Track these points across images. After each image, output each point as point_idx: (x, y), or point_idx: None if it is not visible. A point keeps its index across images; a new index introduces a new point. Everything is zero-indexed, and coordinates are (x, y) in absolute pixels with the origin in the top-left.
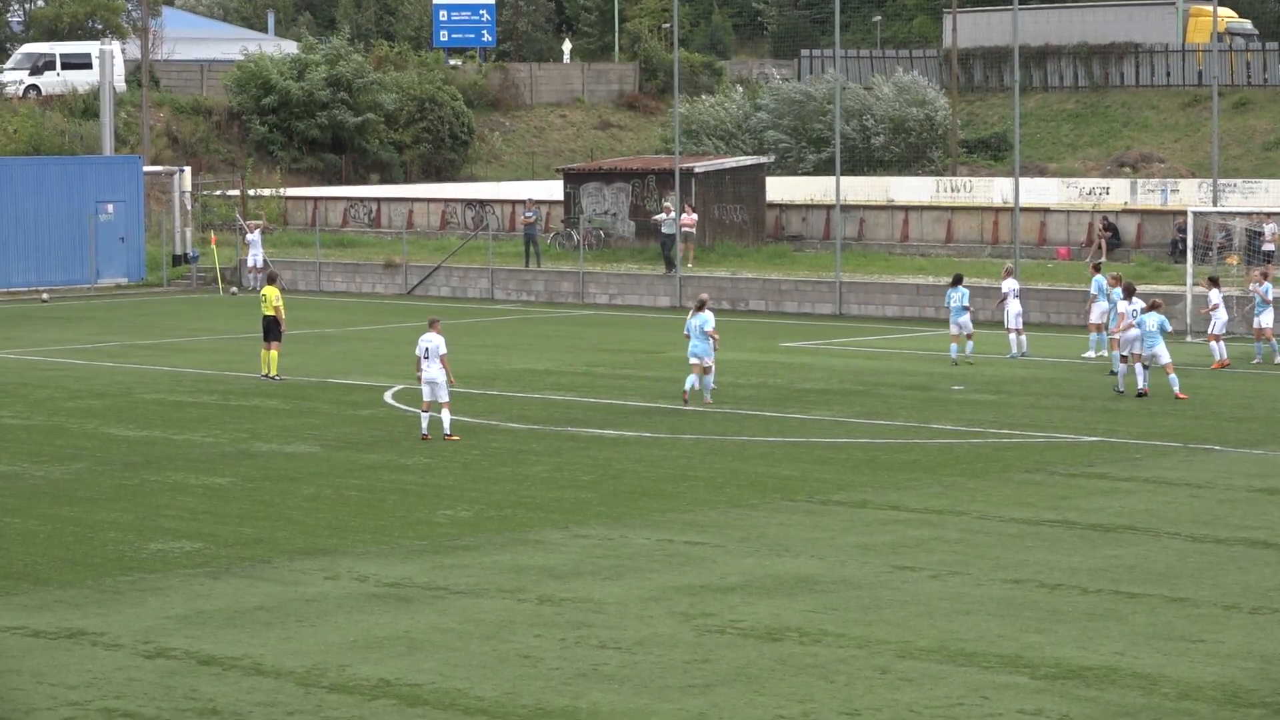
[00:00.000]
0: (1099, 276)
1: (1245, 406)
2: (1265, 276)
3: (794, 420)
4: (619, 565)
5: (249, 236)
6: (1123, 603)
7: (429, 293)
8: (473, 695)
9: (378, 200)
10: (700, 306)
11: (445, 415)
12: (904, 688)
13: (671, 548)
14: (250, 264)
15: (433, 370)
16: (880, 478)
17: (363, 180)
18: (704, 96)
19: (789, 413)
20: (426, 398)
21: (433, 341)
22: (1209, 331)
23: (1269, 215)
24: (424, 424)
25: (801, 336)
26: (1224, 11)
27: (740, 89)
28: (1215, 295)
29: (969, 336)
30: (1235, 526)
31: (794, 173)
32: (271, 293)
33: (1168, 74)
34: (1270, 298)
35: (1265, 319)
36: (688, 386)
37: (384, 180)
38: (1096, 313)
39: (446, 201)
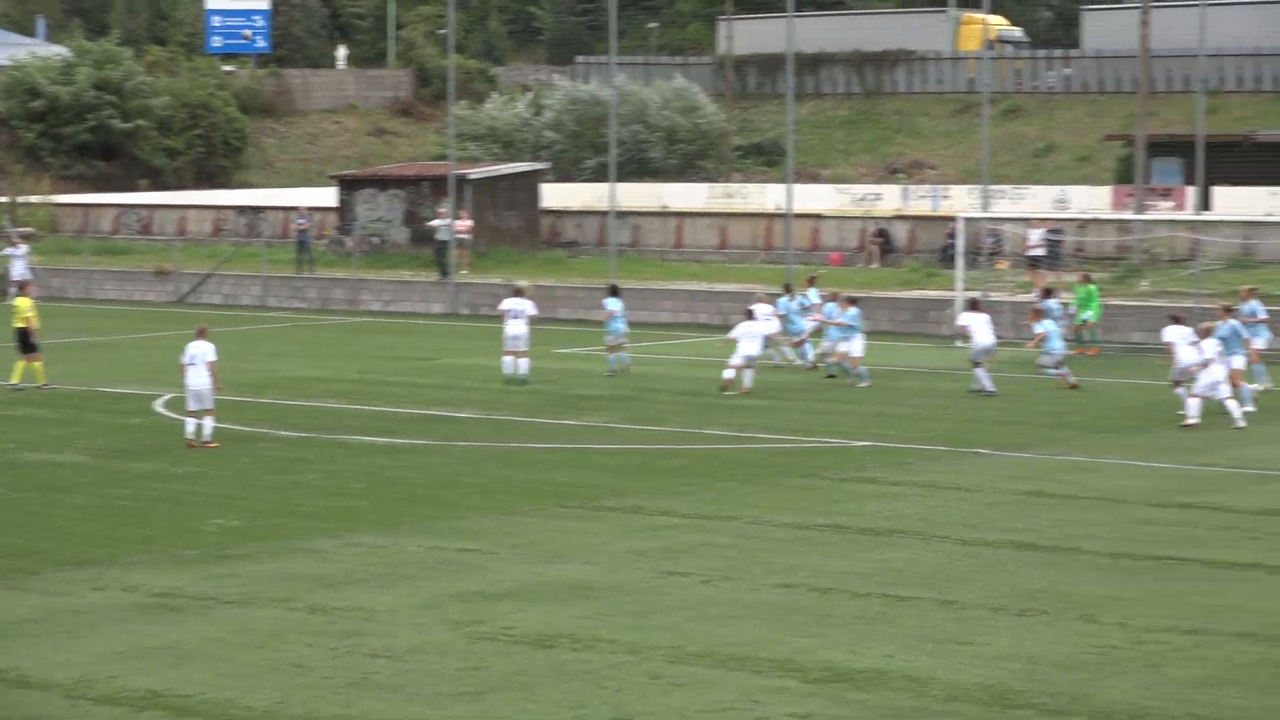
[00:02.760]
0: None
1: (1011, 411)
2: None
3: (567, 426)
4: (391, 573)
5: (7, 250)
6: (892, 606)
7: (201, 300)
8: (243, 705)
9: (149, 207)
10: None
11: (208, 422)
12: (675, 693)
13: (444, 555)
14: (15, 276)
15: (199, 378)
16: (652, 483)
17: (134, 187)
18: (494, 94)
19: (562, 419)
20: (191, 405)
21: (200, 349)
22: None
23: (1040, 221)
24: (189, 429)
25: (575, 343)
26: (995, 19)
27: (530, 95)
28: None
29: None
30: (1003, 529)
31: (571, 179)
32: (24, 304)
33: (940, 81)
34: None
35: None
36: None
37: (156, 187)
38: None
39: (219, 208)
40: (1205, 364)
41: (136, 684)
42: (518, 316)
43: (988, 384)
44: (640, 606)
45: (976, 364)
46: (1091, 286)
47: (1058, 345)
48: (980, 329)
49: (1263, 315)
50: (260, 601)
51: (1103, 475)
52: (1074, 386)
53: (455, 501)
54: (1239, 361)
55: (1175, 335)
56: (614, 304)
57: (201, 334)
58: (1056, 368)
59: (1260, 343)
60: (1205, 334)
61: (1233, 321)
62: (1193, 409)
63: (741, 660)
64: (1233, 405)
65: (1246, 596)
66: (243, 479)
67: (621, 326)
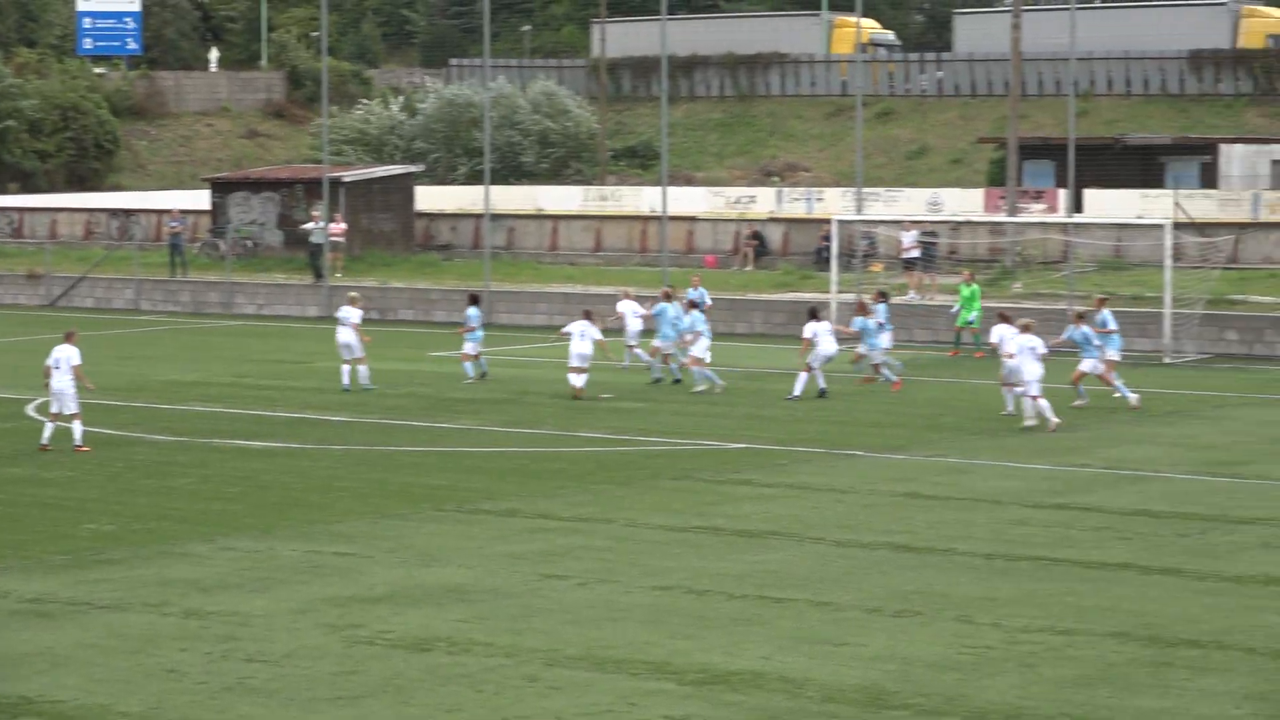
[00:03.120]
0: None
1: (886, 413)
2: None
3: (442, 429)
4: (267, 577)
5: None
6: (768, 607)
7: (73, 303)
8: (117, 711)
9: (19, 210)
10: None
11: (76, 426)
12: (553, 695)
13: (320, 559)
14: None
15: (61, 381)
16: (528, 486)
17: (3, 190)
18: (363, 101)
19: (437, 422)
20: (53, 409)
21: (65, 353)
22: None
23: (913, 223)
24: (46, 433)
25: (450, 345)
26: (867, 23)
27: (401, 98)
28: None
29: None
30: (878, 530)
31: (445, 182)
32: None
33: (813, 84)
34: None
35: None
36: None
37: (26, 190)
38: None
39: (91, 211)
40: (1010, 356)
41: (8, 690)
42: (345, 323)
43: (820, 383)
44: (517, 609)
45: (811, 368)
46: (975, 287)
47: (878, 345)
48: (824, 337)
49: (1113, 326)
50: (134, 606)
51: (977, 476)
52: (867, 381)
53: (330, 505)
54: (1087, 364)
55: (1004, 334)
56: (475, 314)
57: (69, 338)
58: (877, 369)
59: (1113, 353)
60: (1025, 329)
61: (1085, 328)
62: (1028, 409)
63: (619, 663)
64: (1044, 405)
65: (1119, 597)
66: (116, 483)
67: (480, 335)
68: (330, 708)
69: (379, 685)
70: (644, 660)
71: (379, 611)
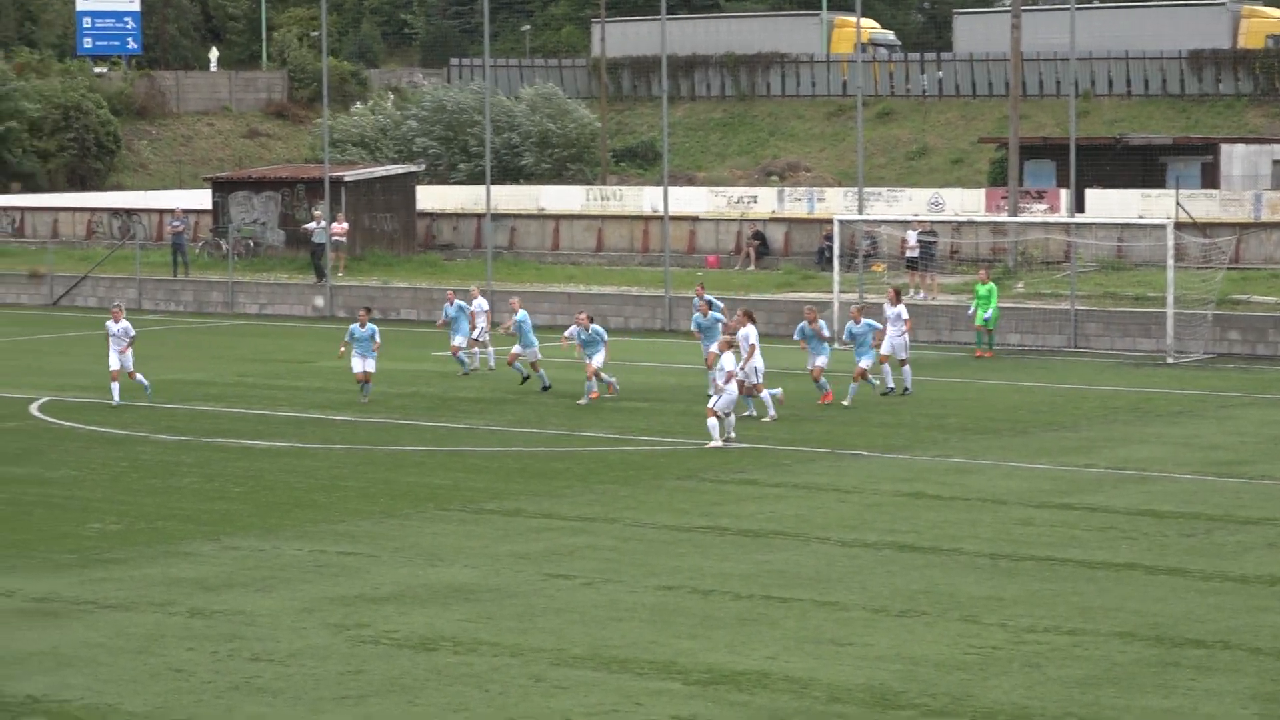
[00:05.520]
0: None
1: (891, 413)
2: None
3: (446, 429)
4: (272, 577)
5: None
6: (774, 607)
7: (75, 303)
8: (124, 710)
9: (21, 209)
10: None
11: None
12: (558, 695)
13: (325, 558)
14: None
15: None
16: (534, 486)
17: (4, 190)
18: (359, 103)
19: (441, 421)
20: None
21: None
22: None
23: (919, 222)
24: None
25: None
26: (867, 23)
27: (392, 96)
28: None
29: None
30: (882, 530)
31: (445, 182)
32: None
33: (813, 84)
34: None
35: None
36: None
37: (27, 189)
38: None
39: (93, 211)
40: (752, 350)
41: (14, 689)
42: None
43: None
44: (523, 609)
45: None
46: (991, 285)
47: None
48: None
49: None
50: (140, 606)
51: (981, 476)
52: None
53: (335, 505)
54: (866, 361)
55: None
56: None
57: None
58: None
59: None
60: (747, 319)
61: (868, 321)
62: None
63: (624, 662)
64: (766, 397)
65: (1124, 597)
66: (120, 483)
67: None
68: (336, 707)
69: (385, 685)
70: (650, 660)
71: (384, 611)
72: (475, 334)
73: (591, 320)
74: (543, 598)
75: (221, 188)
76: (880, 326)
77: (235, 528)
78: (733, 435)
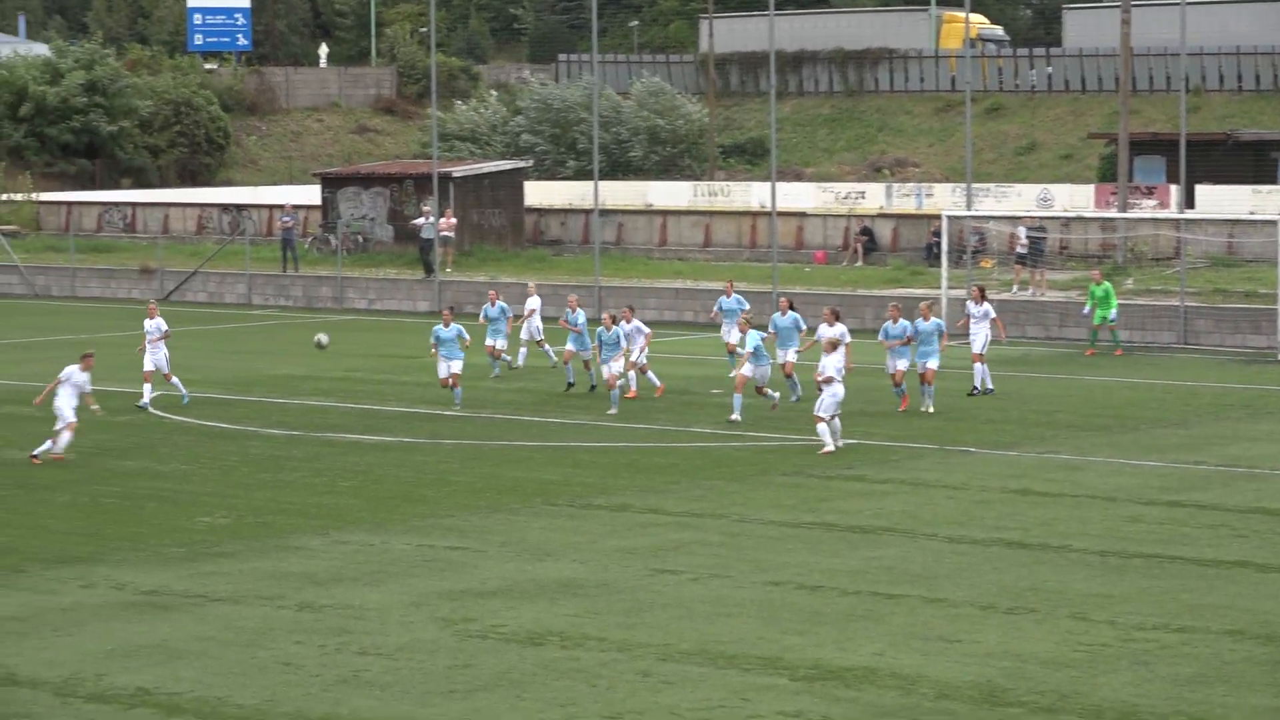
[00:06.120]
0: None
1: (999, 409)
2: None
3: (554, 424)
4: (380, 571)
5: None
6: (881, 604)
7: (185, 298)
8: (233, 703)
9: (133, 205)
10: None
11: (65, 436)
12: (665, 690)
13: (432, 553)
14: None
15: (64, 400)
16: (640, 481)
17: (116, 185)
18: (458, 102)
19: (549, 417)
20: (57, 426)
21: (78, 378)
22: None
23: (1030, 218)
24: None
25: (561, 340)
26: (976, 18)
27: (494, 94)
28: (972, 307)
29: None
30: (990, 527)
31: (553, 177)
32: None
33: (921, 79)
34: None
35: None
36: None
37: (138, 185)
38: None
39: (203, 206)
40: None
41: (126, 682)
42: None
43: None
44: (630, 604)
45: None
46: (1107, 285)
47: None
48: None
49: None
50: (249, 599)
51: (1090, 473)
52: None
53: (443, 499)
54: (934, 362)
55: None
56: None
57: (86, 361)
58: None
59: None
60: (833, 318)
61: (936, 320)
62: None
63: (731, 658)
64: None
65: (1234, 595)
66: (230, 477)
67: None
68: (444, 701)
69: (492, 679)
70: (757, 655)
71: (492, 605)
72: (534, 335)
73: (624, 318)
74: (650, 593)
75: (331, 183)
76: (945, 327)
77: (344, 522)
78: (840, 444)
